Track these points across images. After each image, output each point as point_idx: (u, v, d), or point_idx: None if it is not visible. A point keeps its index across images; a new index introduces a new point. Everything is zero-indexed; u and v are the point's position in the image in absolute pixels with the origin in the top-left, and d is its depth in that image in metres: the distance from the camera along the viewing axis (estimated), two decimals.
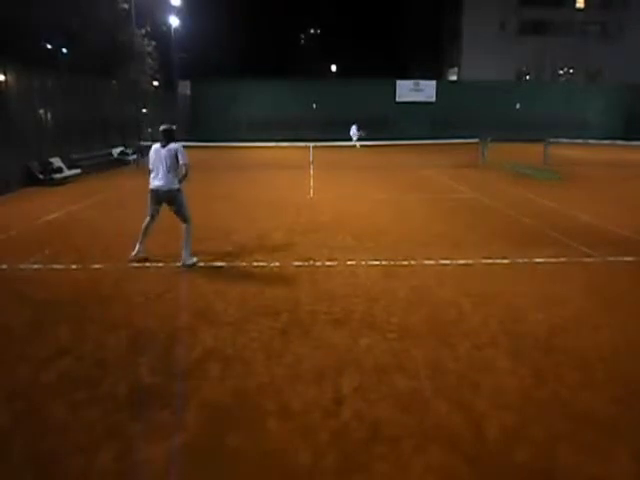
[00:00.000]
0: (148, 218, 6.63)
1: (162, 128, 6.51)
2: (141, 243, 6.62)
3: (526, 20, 44.85)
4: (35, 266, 6.45)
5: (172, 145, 6.42)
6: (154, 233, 6.70)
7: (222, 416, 3.25)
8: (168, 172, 6.36)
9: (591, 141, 21.94)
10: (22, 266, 6.43)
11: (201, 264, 6.46)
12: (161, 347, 4.21)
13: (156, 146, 6.49)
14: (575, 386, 3.61)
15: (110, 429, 3.10)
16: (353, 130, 27.58)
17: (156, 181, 6.43)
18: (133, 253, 6.57)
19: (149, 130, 23.24)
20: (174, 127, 6.76)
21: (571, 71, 45.13)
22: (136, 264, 6.47)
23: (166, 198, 6.45)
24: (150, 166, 6.50)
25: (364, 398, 3.45)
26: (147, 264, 6.48)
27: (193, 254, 6.53)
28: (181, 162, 6.37)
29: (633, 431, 3.12)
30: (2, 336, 4.46)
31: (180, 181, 6.47)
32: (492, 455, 2.89)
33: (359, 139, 26.52)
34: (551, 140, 18.56)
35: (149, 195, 6.56)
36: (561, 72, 45.27)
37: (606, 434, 3.08)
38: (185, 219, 6.52)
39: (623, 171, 17.50)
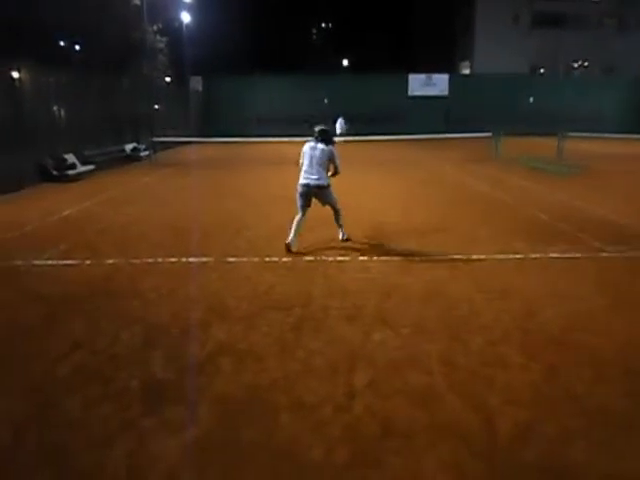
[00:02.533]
0: (300, 214, 6.96)
1: (320, 128, 6.96)
2: (294, 237, 6.82)
3: (540, 13, 44.24)
4: (49, 262, 6.51)
5: (328, 146, 6.85)
6: (172, 231, 6.73)
7: (235, 411, 3.27)
8: (321, 169, 6.80)
9: (606, 135, 21.69)
10: (37, 262, 6.50)
11: (211, 259, 6.49)
12: (174, 342, 4.23)
13: (312, 144, 6.92)
14: (588, 382, 3.57)
15: (124, 423, 3.13)
16: (339, 124, 27.08)
17: (308, 176, 6.82)
18: (292, 246, 6.75)
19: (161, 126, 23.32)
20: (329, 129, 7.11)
21: (586, 64, 44.53)
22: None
23: (315, 193, 6.90)
24: (302, 161, 6.95)
25: (377, 393, 3.44)
26: (159, 259, 6.52)
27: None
28: (337, 163, 6.92)
29: None
30: (17, 331, 4.51)
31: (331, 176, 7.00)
32: (504, 451, 2.88)
33: (344, 134, 25.74)
34: (565, 134, 18.34)
35: (299, 190, 6.92)
36: (575, 65, 44.69)
37: (620, 430, 3.05)
38: (336, 209, 7.17)
39: (638, 165, 17.28)
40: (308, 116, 30.76)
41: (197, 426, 3.11)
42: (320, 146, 6.82)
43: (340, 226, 7.28)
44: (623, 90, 35.50)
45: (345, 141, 24.74)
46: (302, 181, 6.86)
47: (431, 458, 2.82)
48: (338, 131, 26.71)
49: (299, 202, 6.93)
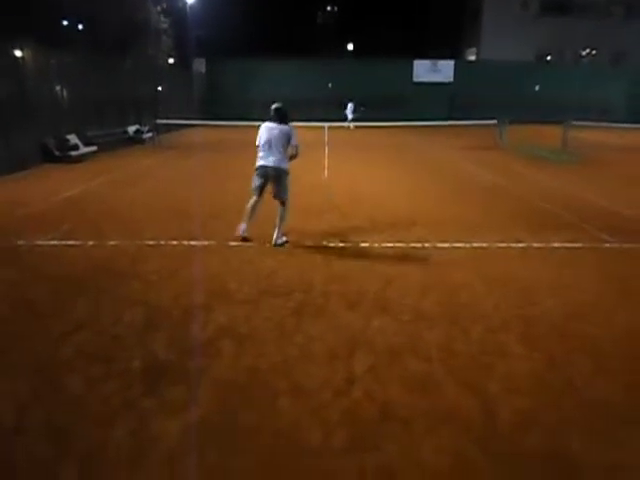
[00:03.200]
0: (255, 197, 6.54)
1: (275, 107, 6.48)
2: (246, 223, 6.53)
3: (548, 0, 43.70)
4: (52, 242, 6.52)
5: (285, 125, 6.40)
6: (175, 214, 6.70)
7: (235, 393, 3.29)
8: (279, 152, 6.35)
9: (613, 125, 21.52)
10: (40, 242, 6.51)
11: (213, 243, 6.49)
12: (175, 324, 4.25)
13: (268, 124, 6.46)
14: (589, 372, 3.59)
15: (125, 403, 3.16)
16: (349, 109, 26.86)
17: (265, 159, 6.39)
18: (240, 231, 6.51)
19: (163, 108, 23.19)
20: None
21: (594, 53, 44.06)
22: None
23: (273, 177, 6.41)
24: (258, 143, 6.48)
25: (376, 379, 3.46)
26: (162, 242, 6.52)
27: (284, 234, 6.58)
28: (293, 143, 6.40)
29: None
30: (20, 311, 4.53)
31: (289, 161, 6.50)
32: (503, 439, 2.90)
33: (355, 119, 25.72)
34: (571, 122, 18.20)
35: (256, 173, 6.49)
36: (583, 53, 44.22)
37: (619, 420, 3.07)
38: (284, 201, 6.49)
39: None
40: (313, 99, 30.59)
41: (197, 408, 3.13)
42: (278, 127, 6.38)
43: (280, 225, 6.49)
44: (631, 79, 35.15)
45: (355, 126, 24.72)
46: (259, 163, 6.43)
47: (429, 444, 2.84)
48: (349, 116, 26.62)
49: (255, 183, 6.47)
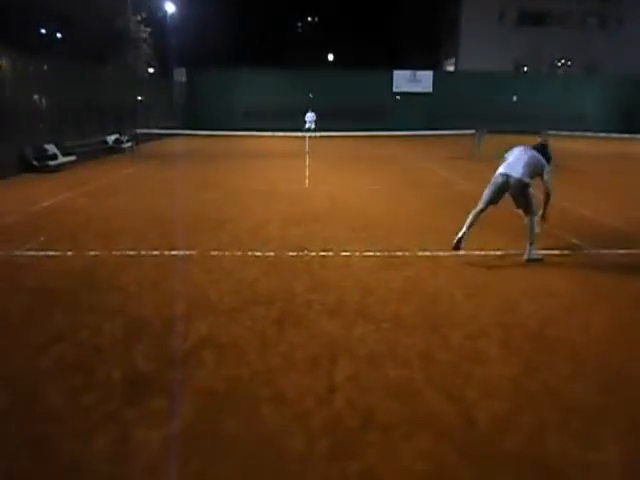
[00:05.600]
0: (482, 206, 6.39)
1: (542, 142, 6.53)
2: (466, 232, 6.31)
3: (525, 11, 44.63)
4: (30, 253, 6.45)
5: (541, 158, 6.27)
6: (155, 224, 6.67)
7: (217, 403, 3.29)
8: (526, 169, 6.14)
9: (589, 134, 21.98)
10: (17, 252, 6.43)
11: (194, 253, 6.48)
12: (156, 335, 4.23)
13: (527, 146, 6.45)
14: (565, 376, 3.66)
15: (106, 414, 3.14)
16: (309, 118, 26.81)
17: (509, 168, 6.24)
18: (458, 237, 6.26)
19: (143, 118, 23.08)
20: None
21: (569, 63, 45.03)
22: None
23: (514, 188, 6.21)
24: (507, 155, 6.47)
25: (357, 386, 3.49)
26: (142, 252, 6.49)
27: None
28: (545, 177, 6.20)
29: (620, 420, 3.18)
30: None
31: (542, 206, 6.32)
32: (482, 443, 2.94)
33: (313, 129, 25.65)
34: (548, 132, 18.52)
35: (495, 180, 6.36)
36: (559, 64, 45.16)
37: (594, 422, 3.14)
38: (533, 212, 6.28)
39: (619, 164, 17.58)
40: (294, 109, 30.69)
41: (180, 417, 3.12)
42: (536, 154, 6.30)
43: (531, 239, 6.30)
44: (605, 89, 35.97)
45: (316, 136, 24.66)
46: (501, 171, 6.34)
47: (409, 449, 2.88)
48: (307, 126, 26.45)
49: (488, 195, 6.38)
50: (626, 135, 22.08)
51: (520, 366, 3.79)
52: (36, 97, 15.16)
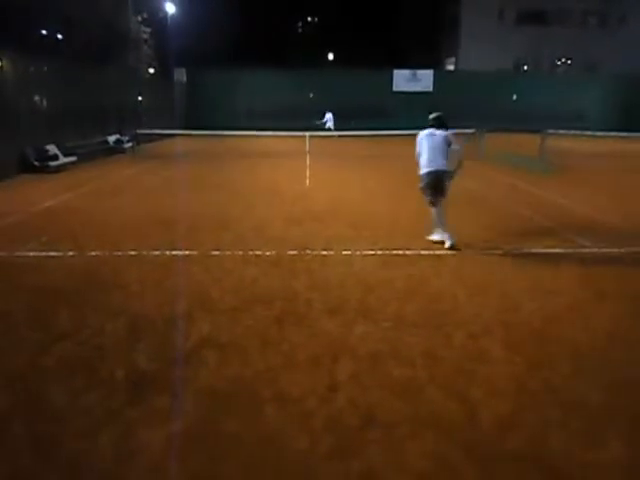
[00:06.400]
0: (433, 208, 6.76)
1: (435, 115, 6.80)
2: (445, 231, 6.74)
3: (525, 9, 44.52)
4: (32, 253, 6.45)
5: (444, 131, 6.67)
6: (157, 224, 6.68)
7: (219, 402, 3.29)
8: (443, 157, 6.60)
9: (589, 133, 21.92)
10: (19, 253, 6.43)
11: (195, 253, 6.48)
12: (158, 334, 4.23)
13: (428, 131, 6.70)
14: (567, 374, 3.65)
15: (109, 413, 3.14)
16: (328, 119, 27.02)
17: (431, 165, 6.58)
18: (447, 244, 6.67)
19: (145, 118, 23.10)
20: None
21: (569, 62, 44.96)
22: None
23: (440, 179, 6.62)
24: (419, 151, 6.74)
25: (359, 385, 3.49)
26: (144, 252, 6.49)
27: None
28: (454, 148, 6.66)
29: (622, 418, 3.17)
30: (0, 322, 4.47)
31: (455, 169, 6.73)
32: (486, 442, 2.94)
33: (333, 129, 25.85)
34: (548, 131, 18.51)
35: (423, 181, 6.71)
36: (559, 63, 45.09)
37: (597, 421, 3.13)
38: (445, 196, 6.77)
39: (619, 162, 17.55)
40: (295, 109, 30.70)
41: (182, 417, 3.12)
42: (437, 131, 6.67)
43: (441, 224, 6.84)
44: (605, 88, 35.89)
45: (336, 136, 24.74)
46: (425, 170, 6.66)
47: (412, 448, 2.87)
48: (327, 126, 26.67)
49: (427, 195, 6.76)
50: (625, 134, 22.00)
51: (523, 364, 3.78)
52: (37, 98, 15.16)
